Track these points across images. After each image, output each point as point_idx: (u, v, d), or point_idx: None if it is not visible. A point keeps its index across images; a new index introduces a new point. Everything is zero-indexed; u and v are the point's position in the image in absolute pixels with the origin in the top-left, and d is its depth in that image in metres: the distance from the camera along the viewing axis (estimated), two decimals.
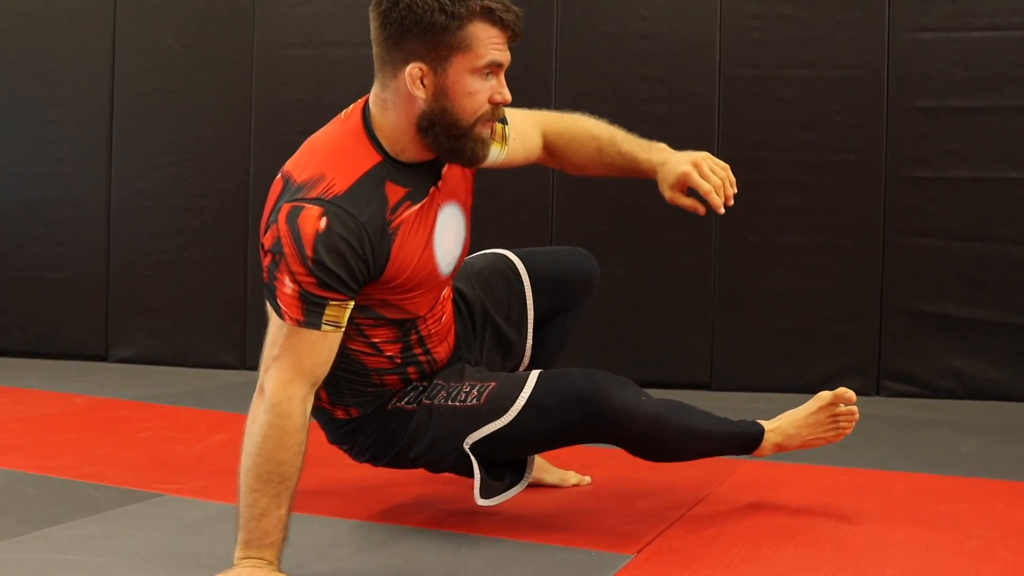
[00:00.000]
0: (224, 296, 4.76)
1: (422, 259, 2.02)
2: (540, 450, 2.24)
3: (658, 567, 1.96)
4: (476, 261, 2.41)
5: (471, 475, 2.11)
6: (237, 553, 1.81)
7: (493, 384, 2.12)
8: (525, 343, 2.41)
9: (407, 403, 2.15)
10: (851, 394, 2.36)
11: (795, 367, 4.23)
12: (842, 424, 2.39)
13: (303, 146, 2.01)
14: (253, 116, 4.73)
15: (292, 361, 1.83)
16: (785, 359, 4.25)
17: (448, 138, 1.93)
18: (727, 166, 2.26)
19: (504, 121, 2.19)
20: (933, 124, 4.20)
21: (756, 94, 4.29)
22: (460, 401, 2.11)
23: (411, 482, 2.55)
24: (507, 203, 4.44)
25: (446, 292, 2.20)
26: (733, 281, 4.30)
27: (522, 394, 2.06)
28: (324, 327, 1.85)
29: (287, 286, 1.83)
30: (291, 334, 1.84)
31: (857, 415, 2.38)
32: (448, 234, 2.09)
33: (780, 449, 2.38)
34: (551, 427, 2.07)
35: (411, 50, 1.88)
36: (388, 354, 2.11)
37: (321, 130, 2.03)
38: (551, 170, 4.12)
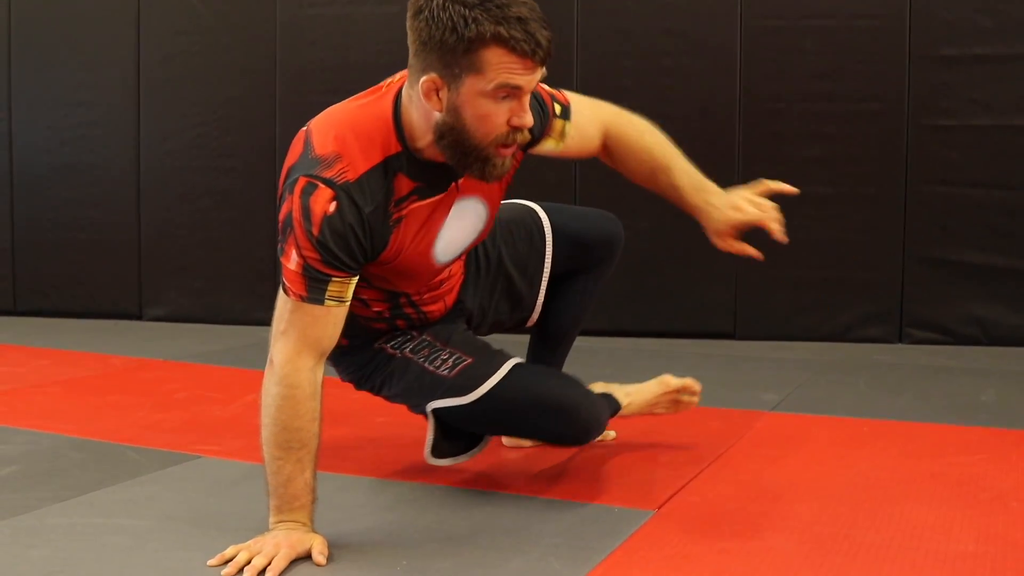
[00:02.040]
0: (254, 254, 4.84)
1: (418, 250, 2.05)
2: (494, 433, 2.34)
3: (678, 522, 2.03)
4: (504, 210, 2.39)
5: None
6: (271, 519, 1.88)
7: (469, 361, 2.19)
8: (536, 298, 2.45)
9: (391, 346, 2.25)
10: (697, 387, 2.55)
11: (818, 316, 4.28)
12: (682, 406, 2.58)
13: (332, 110, 2.00)
14: (278, 76, 4.78)
15: (298, 335, 1.89)
16: (808, 308, 4.30)
17: (461, 154, 1.90)
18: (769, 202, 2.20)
19: (567, 116, 2.19)
20: (956, 72, 4.20)
21: (778, 45, 4.29)
22: (434, 366, 2.18)
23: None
24: (531, 159, 4.48)
25: (456, 267, 2.27)
26: (756, 232, 4.31)
27: (489, 381, 2.15)
28: (327, 302, 1.90)
29: (292, 260, 1.88)
30: (296, 309, 1.89)
31: (697, 402, 2.58)
32: (457, 226, 2.10)
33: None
34: (512, 418, 2.21)
35: (429, 62, 1.84)
36: (376, 309, 2.20)
37: (353, 99, 2.01)
38: None
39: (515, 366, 2.18)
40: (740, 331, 4.37)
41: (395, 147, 1.94)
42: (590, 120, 2.25)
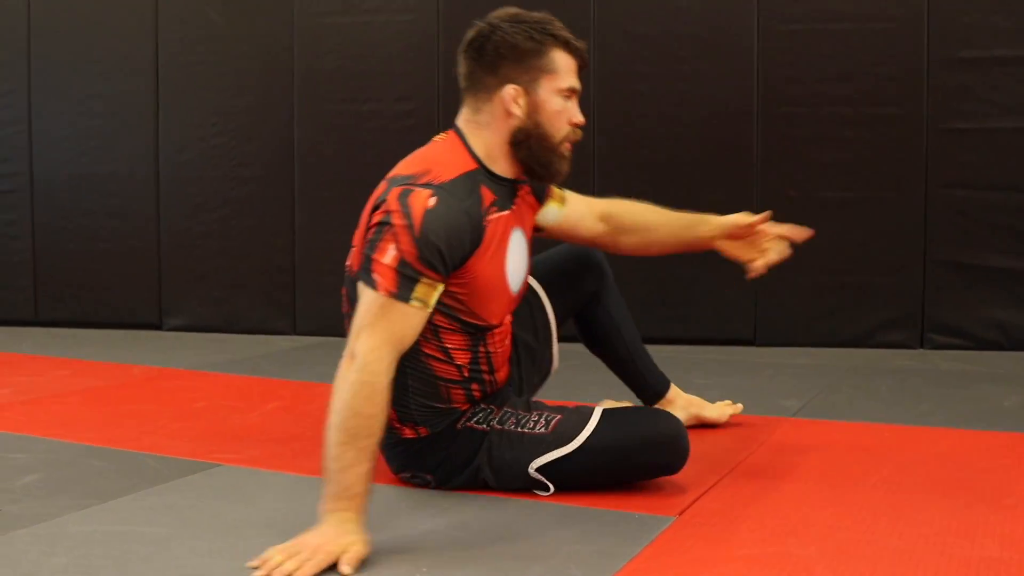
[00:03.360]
0: (273, 263, 4.86)
1: (496, 265, 2.19)
2: (597, 482, 2.27)
3: (698, 528, 2.02)
4: None
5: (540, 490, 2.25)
6: (324, 505, 1.89)
7: (559, 416, 2.26)
8: (549, 351, 2.54)
9: (477, 423, 2.27)
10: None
11: (838, 321, 4.26)
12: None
13: (403, 160, 2.19)
14: (295, 85, 4.80)
15: (383, 329, 1.98)
16: (828, 314, 4.28)
17: (540, 150, 2.18)
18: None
19: (561, 188, 2.45)
20: (975, 74, 4.18)
21: (795, 49, 4.29)
22: (528, 428, 2.24)
23: None
24: None
25: (508, 318, 2.33)
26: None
27: (588, 427, 2.22)
28: (413, 302, 2.00)
29: (388, 254, 1.99)
30: (383, 305, 1.99)
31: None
32: (516, 254, 2.25)
33: None
34: (616, 458, 2.22)
35: (505, 74, 2.16)
36: (458, 363, 2.23)
37: (419, 149, 2.23)
38: (589, 132, 4.17)
39: (605, 411, 2.27)
40: (760, 337, 4.35)
41: (472, 164, 2.17)
42: (587, 199, 2.54)
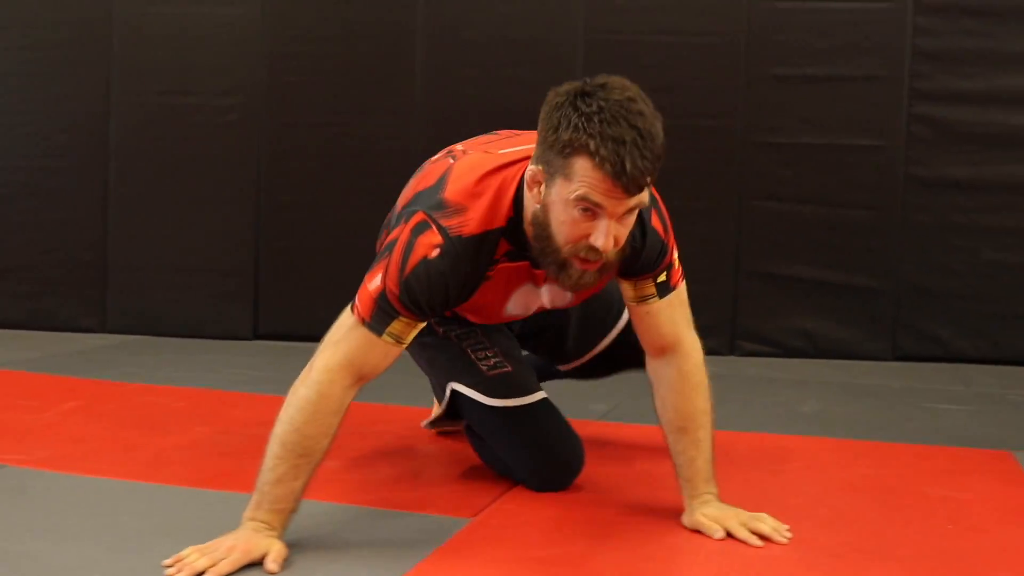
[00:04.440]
0: (81, 258, 4.68)
1: (492, 299, 2.10)
2: (483, 440, 2.34)
3: (493, 530, 2.02)
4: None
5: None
6: (246, 513, 1.87)
7: (508, 370, 2.28)
8: (580, 355, 2.56)
9: (437, 322, 2.31)
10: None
11: None
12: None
13: (484, 160, 2.01)
14: (112, 75, 4.63)
15: (346, 352, 1.90)
16: None
17: (541, 250, 1.89)
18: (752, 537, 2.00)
19: (662, 293, 2.07)
20: (788, 92, 4.32)
21: (618, 59, 4.33)
22: (476, 357, 2.28)
23: (230, 453, 2.57)
24: None
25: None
26: None
27: (518, 399, 2.25)
28: (385, 337, 1.91)
29: (373, 283, 1.92)
30: (354, 328, 1.92)
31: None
32: (536, 299, 2.16)
33: None
34: (510, 440, 2.28)
35: (539, 154, 1.84)
36: None
37: (509, 155, 2.00)
38: (417, 134, 4.16)
39: (545, 399, 2.29)
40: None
41: (503, 222, 1.95)
42: (672, 320, 2.10)
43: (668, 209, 2.11)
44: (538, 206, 1.86)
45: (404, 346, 1.95)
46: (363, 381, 1.93)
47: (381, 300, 1.90)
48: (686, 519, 2.05)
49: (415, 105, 4.45)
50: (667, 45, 4.34)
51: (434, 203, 1.95)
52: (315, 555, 1.86)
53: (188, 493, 2.23)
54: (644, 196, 1.81)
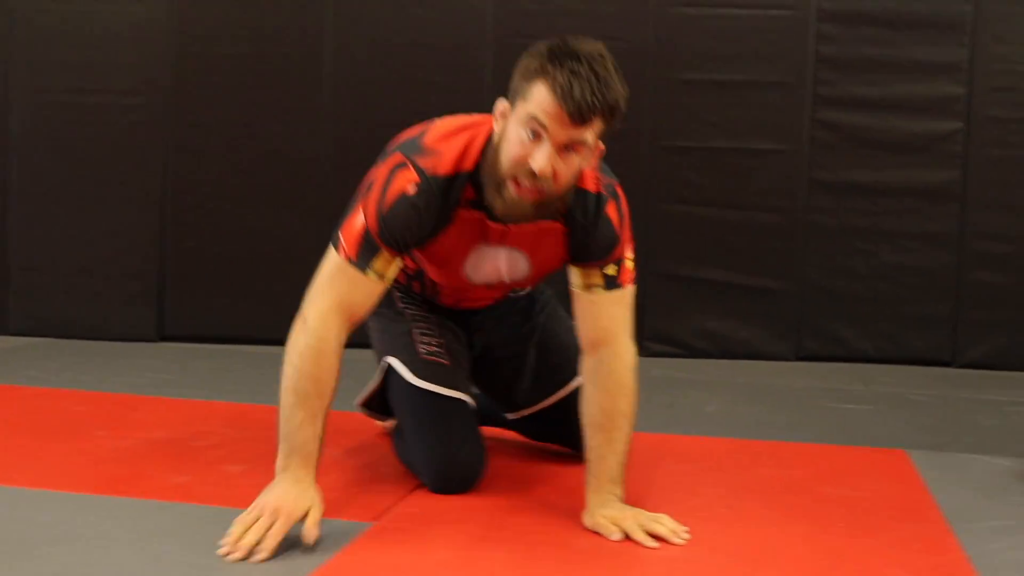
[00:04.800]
0: None
1: (453, 254, 2.21)
2: (394, 422, 2.47)
3: (393, 534, 2.01)
4: (563, 333, 2.53)
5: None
6: (279, 464, 2.00)
7: (445, 364, 2.36)
8: (525, 406, 2.59)
9: (401, 296, 2.46)
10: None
11: None
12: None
13: (466, 117, 2.16)
14: (10, 72, 4.50)
15: (335, 296, 2.07)
16: None
17: (489, 175, 2.01)
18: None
19: (610, 286, 2.15)
20: (695, 96, 4.38)
21: None
22: (418, 338, 2.38)
23: (130, 458, 2.54)
24: None
25: (482, 292, 2.40)
26: None
27: (440, 388, 2.32)
28: (369, 273, 2.07)
29: (357, 220, 2.08)
30: (340, 271, 2.08)
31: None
32: (492, 256, 2.22)
33: None
34: (414, 425, 2.34)
35: (510, 88, 1.98)
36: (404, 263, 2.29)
37: (484, 117, 2.13)
38: (325, 139, 4.14)
39: (464, 403, 2.35)
40: None
41: (471, 166, 2.08)
42: (612, 316, 2.18)
43: None
44: (497, 135, 2.01)
45: (385, 284, 2.10)
46: (353, 321, 2.09)
47: (366, 235, 2.06)
48: (587, 519, 2.08)
49: (323, 107, 4.43)
50: None
51: (413, 147, 2.10)
52: (212, 564, 1.84)
53: (84, 500, 2.19)
54: (587, 135, 1.92)
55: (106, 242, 4.51)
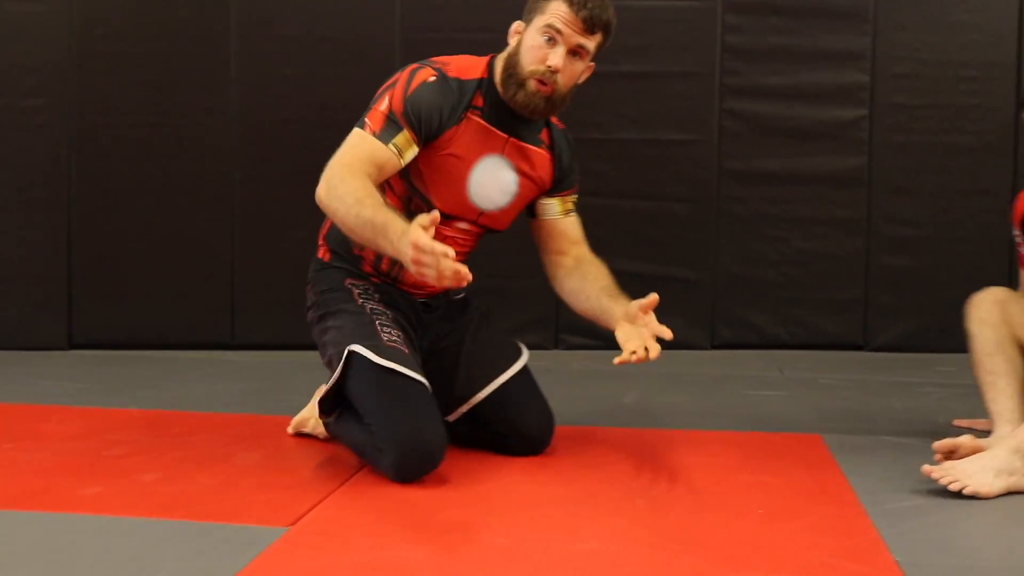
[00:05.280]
0: None
1: (459, 165, 2.50)
2: (354, 409, 2.47)
3: (311, 538, 1.99)
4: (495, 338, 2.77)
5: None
6: (395, 239, 2.17)
7: (406, 351, 2.45)
8: (461, 403, 2.65)
9: (359, 293, 2.58)
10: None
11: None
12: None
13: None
14: None
15: (357, 154, 2.37)
16: None
17: (510, 77, 2.47)
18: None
19: (574, 212, 2.75)
20: (605, 88, 4.38)
21: (434, 56, 4.32)
22: (379, 328, 2.47)
23: (40, 471, 2.49)
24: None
25: (459, 233, 2.60)
26: None
27: (404, 369, 2.38)
28: (390, 146, 2.38)
29: (383, 104, 2.42)
30: (362, 139, 2.39)
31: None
32: (492, 174, 2.53)
33: None
34: (378, 406, 2.38)
35: (523, 16, 2.50)
36: (390, 203, 2.41)
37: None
38: (231, 133, 4.08)
39: (426, 387, 2.41)
40: None
41: (482, 74, 2.53)
42: (579, 232, 2.76)
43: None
44: (511, 50, 2.49)
45: (402, 163, 2.41)
46: (373, 176, 2.35)
47: (391, 115, 2.39)
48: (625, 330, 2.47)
49: (230, 104, 4.36)
50: (483, 43, 4.22)
51: (423, 61, 2.51)
52: (122, 574, 1.80)
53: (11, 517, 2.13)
54: (591, 44, 2.48)
55: (11, 248, 4.39)
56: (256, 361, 4.02)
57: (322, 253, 2.69)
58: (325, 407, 2.52)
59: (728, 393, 3.52)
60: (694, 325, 4.42)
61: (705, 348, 4.41)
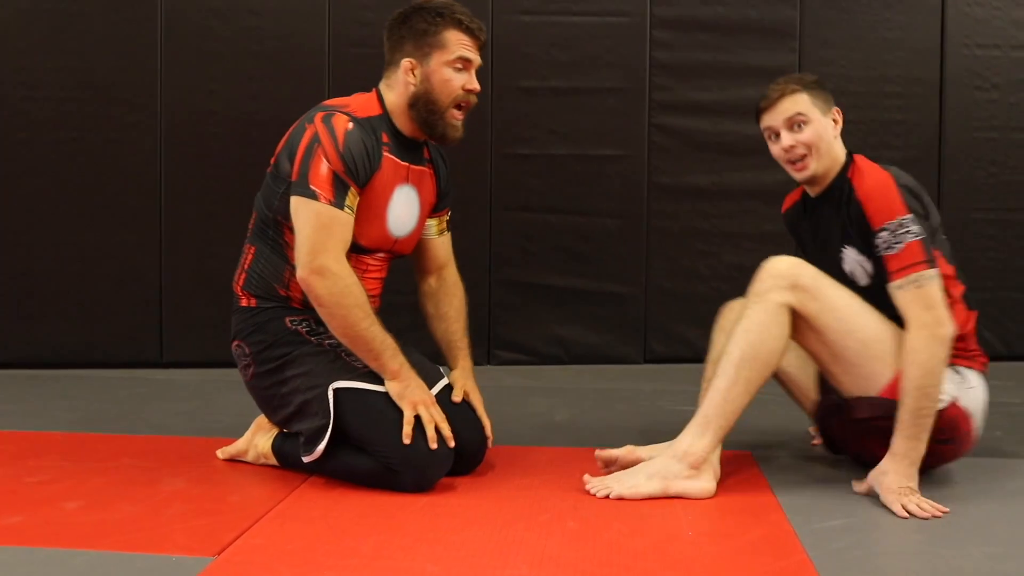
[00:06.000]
0: None
1: (381, 199, 2.55)
2: (351, 436, 2.48)
3: (237, 567, 1.95)
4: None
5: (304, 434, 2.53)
6: (392, 368, 2.47)
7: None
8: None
9: (305, 329, 2.57)
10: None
11: (405, 342, 4.29)
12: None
13: (325, 101, 2.61)
14: None
15: (335, 241, 2.43)
16: (396, 334, 4.27)
17: (428, 113, 2.56)
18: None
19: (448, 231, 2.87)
20: (535, 103, 4.40)
21: (365, 72, 4.21)
22: (352, 361, 2.51)
23: None
24: None
25: (377, 262, 2.67)
26: None
27: (387, 389, 2.48)
28: (345, 209, 2.45)
29: (322, 168, 2.44)
30: (328, 217, 2.43)
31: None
32: (402, 204, 2.61)
33: None
34: (381, 427, 2.43)
35: (406, 51, 2.57)
36: None
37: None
38: (162, 148, 4.02)
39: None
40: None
41: (379, 111, 2.59)
42: (450, 252, 2.89)
43: None
44: (415, 88, 2.56)
45: (353, 217, 2.48)
46: (346, 252, 2.46)
47: (335, 176, 2.43)
48: (464, 379, 2.75)
49: (156, 118, 4.30)
50: None
51: (324, 109, 2.53)
52: None
53: None
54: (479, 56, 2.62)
55: None
56: (185, 379, 3.96)
57: (245, 302, 2.62)
58: (309, 449, 2.51)
59: (660, 408, 3.53)
60: (626, 340, 4.44)
61: (638, 362, 4.43)
